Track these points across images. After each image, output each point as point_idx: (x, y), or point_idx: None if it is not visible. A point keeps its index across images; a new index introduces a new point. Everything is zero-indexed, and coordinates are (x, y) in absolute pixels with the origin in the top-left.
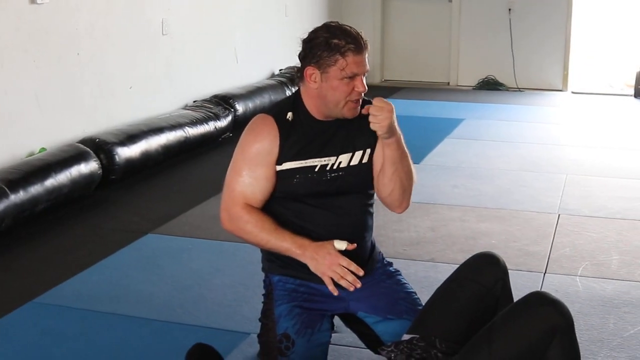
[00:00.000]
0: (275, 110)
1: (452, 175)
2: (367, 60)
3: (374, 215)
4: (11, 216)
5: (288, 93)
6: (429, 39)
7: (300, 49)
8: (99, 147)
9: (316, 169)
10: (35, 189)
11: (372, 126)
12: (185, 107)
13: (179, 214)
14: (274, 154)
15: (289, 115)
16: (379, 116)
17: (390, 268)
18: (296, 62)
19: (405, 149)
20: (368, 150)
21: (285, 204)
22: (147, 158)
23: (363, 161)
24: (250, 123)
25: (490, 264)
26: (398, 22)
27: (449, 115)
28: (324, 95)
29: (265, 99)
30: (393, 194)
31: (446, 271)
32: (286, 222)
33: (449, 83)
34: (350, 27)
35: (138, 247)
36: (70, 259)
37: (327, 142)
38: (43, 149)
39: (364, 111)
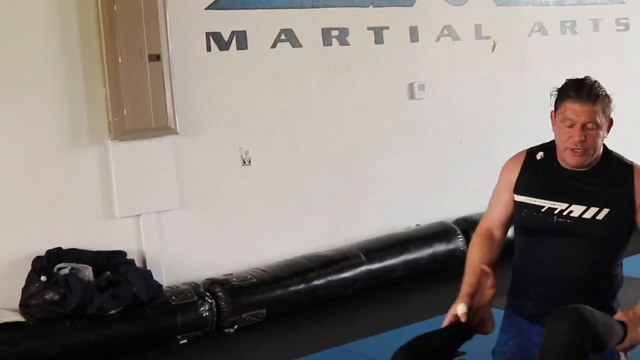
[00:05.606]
0: (534, 147)
1: None
2: (596, 114)
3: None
4: (364, 280)
5: None
6: None
7: None
8: (469, 225)
9: (542, 210)
10: (392, 260)
11: None
12: None
13: None
14: (512, 184)
15: (540, 154)
16: None
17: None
18: None
19: None
20: (605, 210)
21: (517, 234)
22: None
23: (597, 217)
24: None
25: None
26: None
27: None
28: (555, 138)
29: None
30: None
31: None
32: (517, 255)
33: None
34: (590, 79)
35: None
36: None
37: (562, 188)
38: (418, 225)
39: None
